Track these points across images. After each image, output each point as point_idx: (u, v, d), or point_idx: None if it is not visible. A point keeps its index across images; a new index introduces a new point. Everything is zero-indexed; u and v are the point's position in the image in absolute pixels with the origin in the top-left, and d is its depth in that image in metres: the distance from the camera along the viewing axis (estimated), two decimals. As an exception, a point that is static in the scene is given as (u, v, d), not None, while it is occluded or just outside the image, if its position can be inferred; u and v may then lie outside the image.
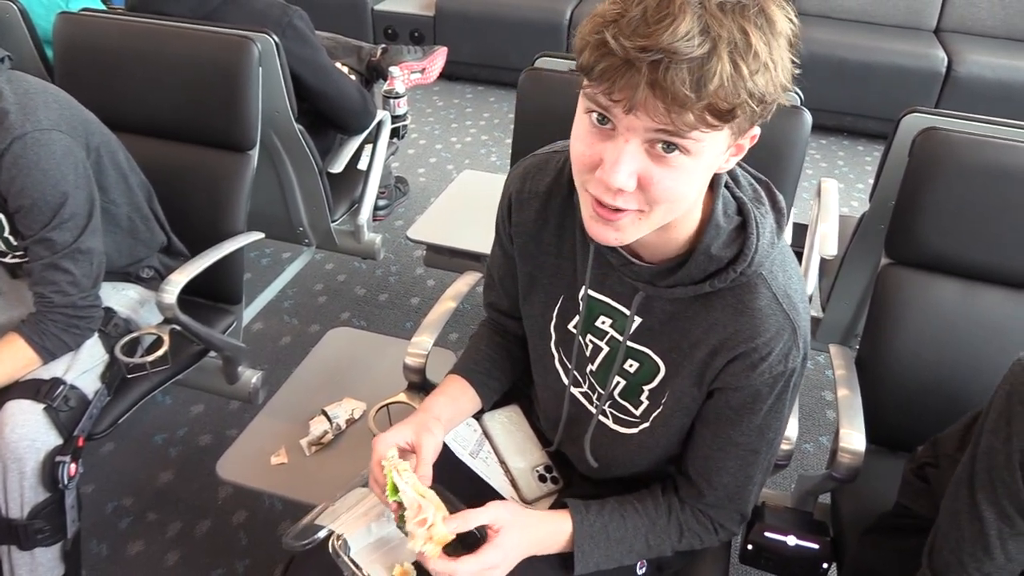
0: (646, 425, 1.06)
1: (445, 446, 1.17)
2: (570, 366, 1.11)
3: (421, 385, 1.49)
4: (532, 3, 4.31)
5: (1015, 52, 3.96)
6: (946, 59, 3.89)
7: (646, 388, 1.03)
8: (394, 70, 2.66)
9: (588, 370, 1.09)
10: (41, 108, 1.38)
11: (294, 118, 2.02)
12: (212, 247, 1.73)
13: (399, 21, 4.56)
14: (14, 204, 1.37)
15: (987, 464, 0.95)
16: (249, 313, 2.54)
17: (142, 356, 1.59)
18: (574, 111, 0.84)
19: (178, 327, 1.62)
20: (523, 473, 1.22)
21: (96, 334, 1.53)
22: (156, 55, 1.81)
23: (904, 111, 1.52)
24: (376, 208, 2.85)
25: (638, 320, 1.00)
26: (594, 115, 0.79)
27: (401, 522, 0.96)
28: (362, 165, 2.42)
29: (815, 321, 1.90)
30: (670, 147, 0.76)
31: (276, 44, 1.84)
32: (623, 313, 1.01)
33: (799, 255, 1.83)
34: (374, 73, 2.77)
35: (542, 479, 1.22)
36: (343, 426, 1.61)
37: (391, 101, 2.62)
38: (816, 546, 1.26)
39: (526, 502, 1.20)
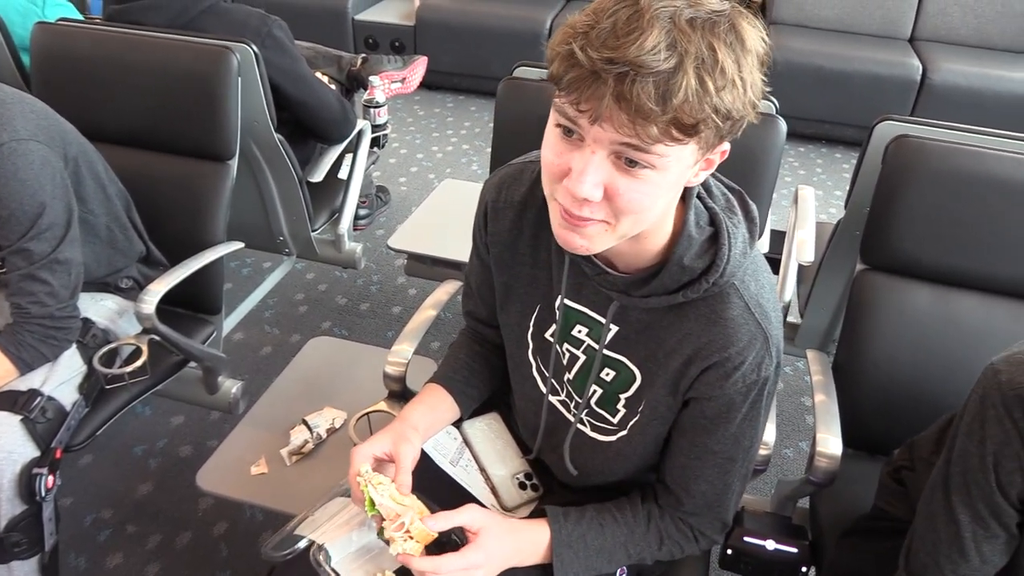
0: (624, 433, 1.06)
1: (425, 454, 1.17)
2: (548, 374, 1.12)
3: (401, 394, 1.49)
4: (512, 13, 4.33)
5: (988, 60, 4.02)
6: (921, 67, 3.94)
7: (623, 396, 1.04)
8: (374, 79, 2.67)
9: (565, 378, 1.09)
10: (18, 118, 1.38)
11: (274, 128, 2.02)
12: (192, 257, 1.72)
13: (379, 31, 4.57)
14: None
15: (962, 467, 0.97)
16: (229, 323, 2.53)
17: (121, 367, 1.58)
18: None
19: (157, 337, 1.61)
20: (503, 481, 1.23)
21: (74, 345, 1.52)
22: (134, 65, 1.80)
23: (878, 119, 1.54)
24: (357, 217, 2.84)
25: (614, 329, 1.01)
26: (562, 126, 0.80)
27: (381, 532, 0.97)
28: (342, 174, 2.42)
29: (793, 327, 1.92)
30: (633, 162, 0.77)
31: (255, 54, 1.84)
32: (599, 322, 1.02)
33: (777, 262, 1.85)
34: (354, 83, 2.78)
35: (522, 487, 1.23)
36: (323, 435, 1.61)
37: (371, 110, 2.63)
38: (795, 550, 1.27)
39: (506, 510, 1.20)
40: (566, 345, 1.07)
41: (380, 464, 1.06)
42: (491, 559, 0.97)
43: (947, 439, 1.13)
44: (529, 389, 1.17)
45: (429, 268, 2.29)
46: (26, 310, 1.40)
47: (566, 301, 1.04)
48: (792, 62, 3.98)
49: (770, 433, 1.29)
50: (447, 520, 0.96)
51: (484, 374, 1.25)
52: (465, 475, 1.21)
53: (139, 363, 1.57)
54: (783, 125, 1.44)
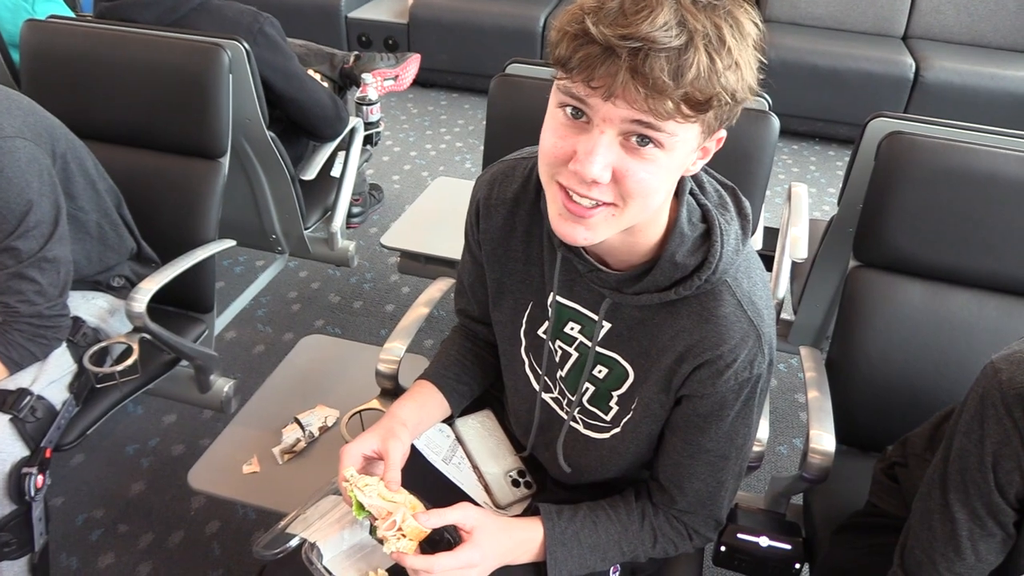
0: (617, 430, 1.06)
1: (418, 453, 1.17)
2: (540, 372, 1.11)
3: (394, 391, 1.48)
4: (506, 10, 4.32)
5: (980, 58, 4.04)
6: (914, 65, 3.95)
7: (615, 394, 1.04)
8: (367, 77, 2.66)
9: (558, 375, 1.09)
10: (4, 115, 1.37)
11: (266, 125, 2.01)
12: (183, 255, 1.71)
13: (373, 28, 4.56)
14: None
15: (960, 466, 0.96)
16: (222, 321, 2.52)
17: (111, 366, 1.57)
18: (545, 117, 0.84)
19: (148, 336, 1.60)
20: (496, 478, 1.22)
21: (64, 343, 1.51)
22: (125, 62, 1.80)
23: (870, 116, 1.54)
24: (350, 215, 2.84)
25: (607, 326, 1.01)
26: (568, 108, 0.79)
27: (374, 531, 0.96)
28: (335, 172, 2.41)
29: (786, 324, 1.92)
30: (644, 140, 0.77)
31: (247, 51, 1.83)
32: (591, 319, 1.01)
33: (770, 259, 1.85)
34: (347, 80, 2.77)
35: (515, 484, 1.22)
36: (316, 434, 1.60)
37: (364, 108, 2.62)
38: (788, 547, 1.28)
39: (500, 507, 1.19)
40: (559, 342, 1.07)
41: (370, 462, 1.06)
42: (485, 557, 0.97)
43: (942, 436, 1.13)
44: (522, 386, 1.16)
45: (422, 266, 2.29)
46: (15, 309, 1.39)
47: (558, 298, 1.04)
48: (786, 59, 3.98)
49: (764, 430, 1.29)
50: (440, 517, 0.96)
51: (475, 371, 1.25)
52: (458, 473, 1.21)
53: (130, 362, 1.56)
54: (776, 122, 1.44)
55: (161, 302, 1.67)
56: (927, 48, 4.12)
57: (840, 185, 1.70)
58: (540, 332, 1.09)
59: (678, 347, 0.95)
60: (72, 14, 2.33)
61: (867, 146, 1.53)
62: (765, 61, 0.79)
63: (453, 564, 0.94)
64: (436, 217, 2.39)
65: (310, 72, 2.40)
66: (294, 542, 1.03)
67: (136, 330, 1.60)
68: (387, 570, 1.01)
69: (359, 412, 1.47)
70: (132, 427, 2.21)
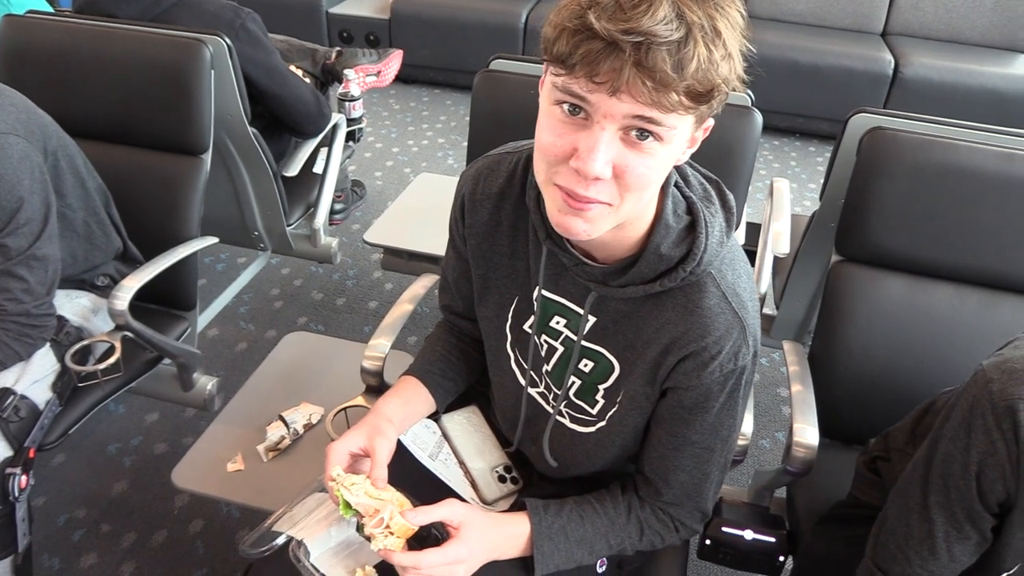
0: (603, 424, 1.07)
1: (404, 449, 1.17)
2: (526, 366, 1.12)
3: (379, 388, 1.48)
4: (487, 6, 4.32)
5: (958, 54, 4.08)
6: (893, 61, 3.98)
7: (601, 387, 1.04)
8: (349, 73, 2.65)
9: (544, 370, 1.09)
10: None
11: (248, 121, 2.00)
12: (165, 252, 1.70)
13: (354, 24, 4.53)
14: None
15: (943, 471, 0.97)
16: (204, 319, 2.50)
17: (94, 364, 1.56)
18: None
19: (131, 334, 1.59)
20: (482, 474, 1.22)
21: (47, 343, 1.50)
22: (105, 58, 1.78)
23: (852, 112, 1.56)
24: (332, 212, 2.82)
25: (592, 319, 1.01)
26: (566, 105, 0.79)
27: (361, 529, 0.96)
28: (318, 168, 2.40)
29: (769, 319, 1.94)
30: (643, 134, 0.78)
31: (228, 46, 1.82)
32: (577, 313, 1.02)
33: (752, 254, 1.86)
34: (329, 76, 2.75)
35: (502, 479, 1.23)
36: (301, 431, 1.60)
37: (346, 104, 2.61)
38: (773, 539, 1.29)
39: (486, 503, 1.20)
40: (544, 337, 1.07)
41: (357, 459, 1.05)
42: (473, 553, 0.97)
43: (924, 430, 1.15)
44: (508, 382, 1.16)
45: (405, 262, 2.28)
46: (2, 307, 1.37)
47: (544, 292, 1.04)
48: (767, 56, 4.00)
49: (748, 424, 1.30)
50: (427, 514, 0.96)
51: (461, 367, 1.25)
52: (444, 469, 1.21)
53: (112, 360, 1.55)
54: (759, 118, 1.45)
55: (143, 300, 1.65)
56: (906, 44, 4.16)
57: (820, 181, 1.71)
58: (526, 327, 1.09)
59: (663, 339, 0.95)
60: (51, 9, 2.31)
61: (849, 142, 1.54)
62: (753, 50, 0.80)
63: (441, 560, 0.94)
64: (419, 213, 2.39)
65: (292, 68, 2.39)
66: (280, 540, 1.03)
67: (118, 328, 1.59)
68: (375, 567, 1.01)
69: (344, 409, 1.47)
70: (114, 426, 2.19)
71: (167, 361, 1.79)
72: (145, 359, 1.72)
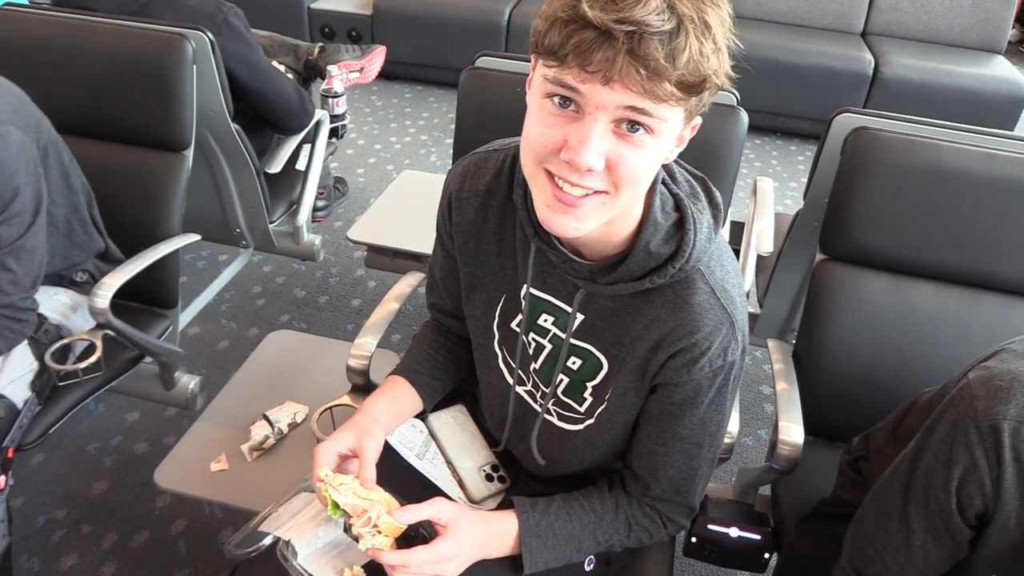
0: (591, 421, 1.07)
1: (391, 449, 1.16)
2: (514, 365, 1.11)
3: (365, 387, 1.47)
4: (471, 3, 4.30)
5: (937, 55, 4.12)
6: (873, 61, 4.02)
7: (589, 385, 1.04)
8: (332, 69, 2.63)
9: (532, 368, 1.09)
10: None
11: (230, 117, 1.98)
12: (146, 249, 1.68)
13: (336, 20, 4.51)
14: None
15: (925, 482, 0.97)
16: (185, 317, 2.48)
17: (74, 363, 1.54)
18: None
19: (111, 332, 1.57)
20: (470, 473, 1.22)
21: (25, 341, 1.47)
22: (84, 52, 1.75)
23: (836, 111, 1.57)
24: (315, 209, 2.81)
25: (580, 317, 1.01)
26: (557, 98, 0.79)
27: (349, 529, 0.96)
28: (300, 165, 2.38)
29: (753, 317, 1.95)
30: (635, 126, 0.78)
31: (211, 42, 1.80)
32: (565, 311, 1.02)
33: (736, 253, 1.87)
34: (312, 72, 2.74)
35: (489, 478, 1.22)
36: (285, 430, 1.58)
37: (329, 100, 2.59)
38: (758, 537, 1.29)
39: (474, 502, 1.19)
40: (532, 335, 1.07)
41: (345, 460, 1.05)
42: (461, 550, 0.97)
43: (905, 431, 1.16)
44: (496, 380, 1.16)
45: (389, 260, 2.27)
46: None
47: (532, 290, 1.04)
48: (748, 55, 3.95)
49: (734, 421, 1.30)
50: (415, 513, 0.96)
51: (448, 366, 1.24)
52: (432, 468, 1.20)
53: (93, 359, 1.52)
54: (744, 117, 1.45)
55: (124, 298, 1.64)
56: (885, 44, 4.20)
57: (801, 180, 1.72)
58: (513, 325, 1.09)
59: (652, 336, 0.96)
60: (27, 1, 2.28)
61: (833, 141, 1.55)
62: (742, 47, 0.80)
63: (429, 558, 0.94)
64: (402, 211, 2.38)
65: (275, 64, 2.37)
66: (267, 541, 1.02)
67: (99, 326, 1.57)
68: (363, 567, 1.01)
69: (330, 408, 1.46)
70: (94, 425, 2.17)
71: (148, 359, 1.78)
72: (126, 357, 1.70)
